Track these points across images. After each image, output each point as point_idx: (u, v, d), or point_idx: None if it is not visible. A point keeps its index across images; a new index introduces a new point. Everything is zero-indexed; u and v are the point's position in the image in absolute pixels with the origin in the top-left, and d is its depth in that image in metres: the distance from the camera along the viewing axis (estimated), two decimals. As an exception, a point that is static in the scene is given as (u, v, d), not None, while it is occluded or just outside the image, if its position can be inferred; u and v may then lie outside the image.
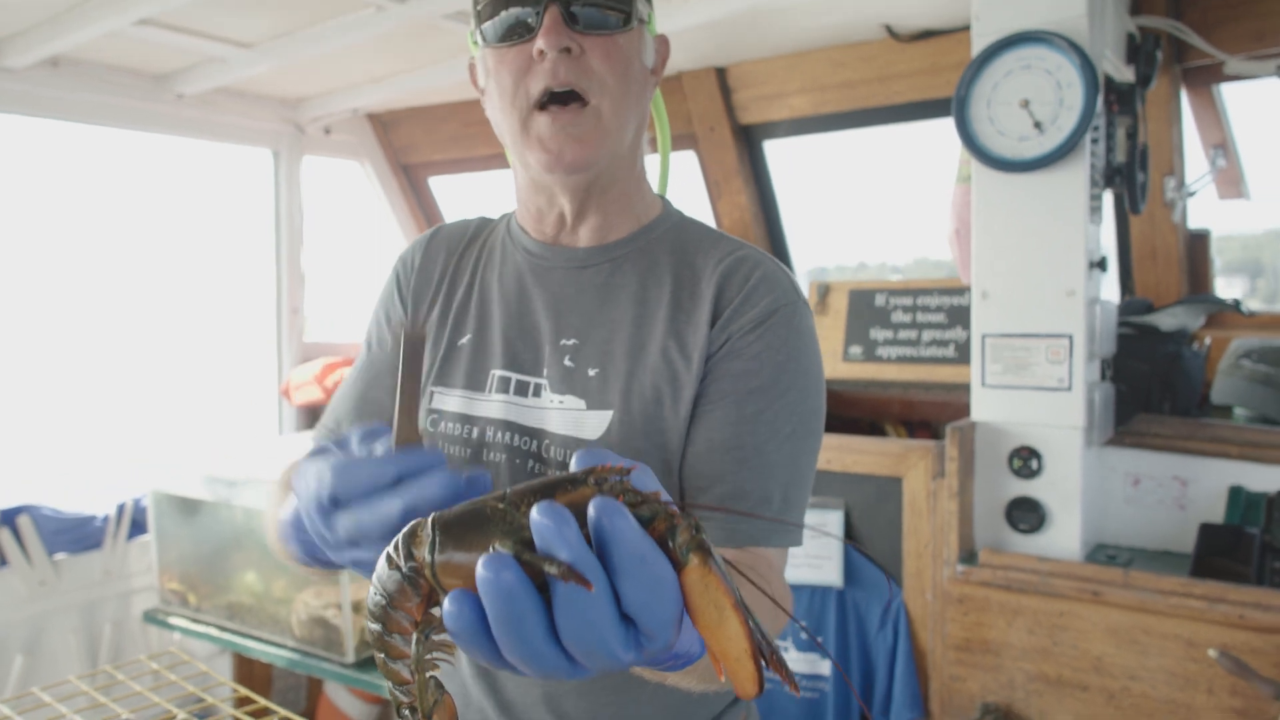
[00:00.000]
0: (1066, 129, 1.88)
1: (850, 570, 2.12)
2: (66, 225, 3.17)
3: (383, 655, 0.59)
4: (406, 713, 0.60)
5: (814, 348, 1.07)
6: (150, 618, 2.64)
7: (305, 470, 0.73)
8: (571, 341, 1.07)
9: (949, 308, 2.83)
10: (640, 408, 1.02)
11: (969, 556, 1.98)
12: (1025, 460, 1.97)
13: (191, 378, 3.48)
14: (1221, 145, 2.55)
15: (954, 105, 1.98)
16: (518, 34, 1.00)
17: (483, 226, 1.23)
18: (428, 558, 0.55)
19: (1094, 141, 1.93)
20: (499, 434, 1.07)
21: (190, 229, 3.43)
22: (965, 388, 2.81)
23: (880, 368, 2.85)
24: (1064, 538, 1.95)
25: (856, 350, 2.90)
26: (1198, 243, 2.61)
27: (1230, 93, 2.49)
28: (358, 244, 3.99)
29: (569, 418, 1.03)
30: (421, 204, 3.79)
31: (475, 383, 1.10)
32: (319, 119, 3.28)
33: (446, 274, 1.18)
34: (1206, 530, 1.89)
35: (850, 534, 2.14)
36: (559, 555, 0.50)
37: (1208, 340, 2.47)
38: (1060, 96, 1.89)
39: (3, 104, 2.58)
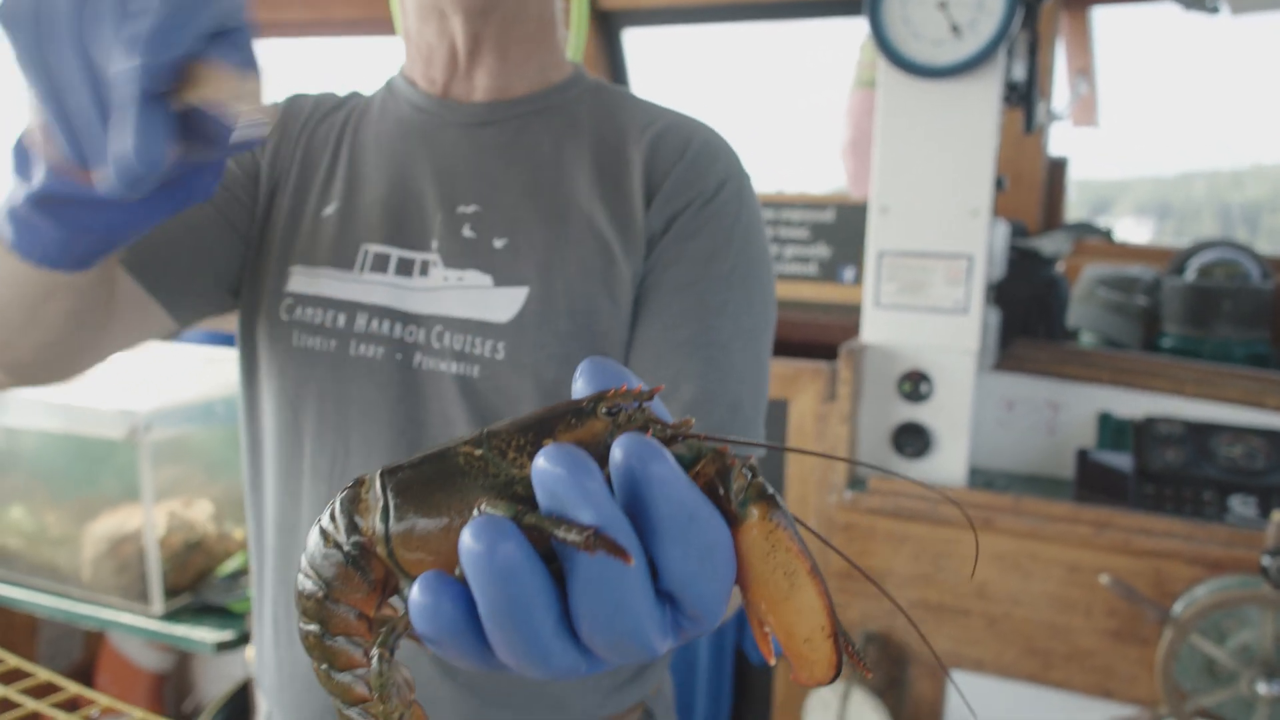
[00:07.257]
0: (985, 35, 1.76)
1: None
2: None
3: (325, 666, 0.43)
4: None
5: (764, 228, 0.92)
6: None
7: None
8: (471, 208, 0.87)
9: (812, 224, 2.74)
10: (564, 284, 0.84)
11: (856, 483, 1.91)
12: (915, 384, 1.90)
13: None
14: (1085, 71, 2.56)
15: (866, 0, 1.82)
16: None
17: (354, 95, 1.00)
18: (379, 528, 0.40)
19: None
20: (373, 322, 0.85)
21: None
22: (823, 307, 2.77)
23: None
24: (949, 464, 1.91)
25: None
26: (1056, 170, 2.63)
27: (1100, 17, 2.49)
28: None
29: (470, 298, 0.84)
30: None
31: (343, 259, 0.87)
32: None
33: (303, 138, 0.95)
34: (1084, 458, 1.91)
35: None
36: (579, 517, 0.35)
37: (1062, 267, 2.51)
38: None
39: None
